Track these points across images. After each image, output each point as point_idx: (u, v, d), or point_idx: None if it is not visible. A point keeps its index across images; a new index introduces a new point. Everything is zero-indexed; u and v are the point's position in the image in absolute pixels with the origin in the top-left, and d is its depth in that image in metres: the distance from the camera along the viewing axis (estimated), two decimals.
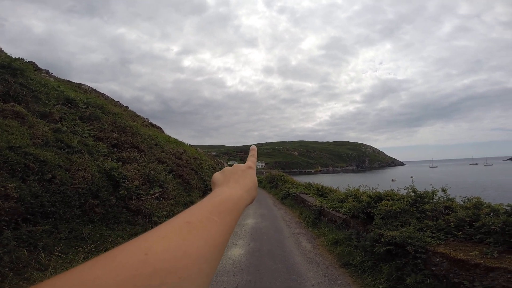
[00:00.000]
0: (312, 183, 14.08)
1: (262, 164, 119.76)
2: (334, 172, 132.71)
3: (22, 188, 4.64)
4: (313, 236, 7.33)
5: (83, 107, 9.85)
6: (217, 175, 0.56)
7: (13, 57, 8.74)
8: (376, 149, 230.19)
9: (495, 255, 3.07)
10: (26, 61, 9.04)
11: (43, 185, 5.07)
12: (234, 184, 0.51)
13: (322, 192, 11.40)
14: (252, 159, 0.66)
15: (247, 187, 0.52)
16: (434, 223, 4.10)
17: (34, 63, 15.42)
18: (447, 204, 4.45)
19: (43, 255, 4.27)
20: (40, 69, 16.52)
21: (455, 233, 3.75)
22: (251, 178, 0.56)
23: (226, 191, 0.47)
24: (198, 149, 35.41)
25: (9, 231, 4.08)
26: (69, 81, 22.03)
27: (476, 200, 4.14)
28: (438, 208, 4.39)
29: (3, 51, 10.75)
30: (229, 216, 0.40)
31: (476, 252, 3.22)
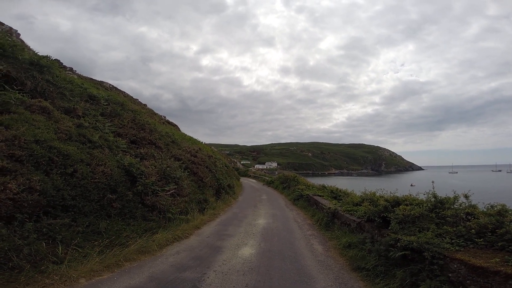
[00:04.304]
0: (326, 185, 13.90)
1: (274, 164, 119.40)
2: (348, 175, 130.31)
3: (45, 181, 4.84)
4: (325, 239, 7.24)
5: (105, 103, 10.20)
6: None
7: (41, 54, 9.16)
8: (393, 152, 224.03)
9: None
10: (52, 58, 9.45)
11: (65, 178, 5.27)
12: None
13: (336, 194, 11.24)
14: None
15: None
16: (454, 229, 3.98)
17: (59, 60, 16.11)
18: (469, 211, 4.29)
19: (60, 248, 4.40)
20: (64, 67, 17.26)
21: (476, 240, 3.64)
22: None
23: None
24: (213, 147, 35.85)
25: (31, 223, 4.24)
26: (91, 78, 22.90)
27: (500, 207, 3.99)
28: (459, 214, 4.24)
29: (31, 49, 11.30)
30: None
31: (497, 259, 3.13)
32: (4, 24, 13.76)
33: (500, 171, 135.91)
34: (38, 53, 9.35)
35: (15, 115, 5.78)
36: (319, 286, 4.39)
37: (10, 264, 3.77)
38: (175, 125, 28.86)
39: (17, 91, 6.53)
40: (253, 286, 4.31)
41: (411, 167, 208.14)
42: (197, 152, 14.22)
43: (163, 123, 22.51)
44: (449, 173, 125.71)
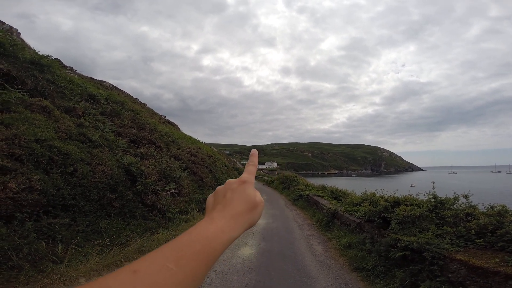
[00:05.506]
0: (326, 185, 13.90)
1: (274, 164, 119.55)
2: (348, 175, 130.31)
3: (45, 180, 4.83)
4: (325, 239, 7.24)
5: (105, 103, 10.20)
6: (209, 199, 0.48)
7: (41, 54, 9.16)
8: (393, 153, 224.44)
9: None
10: (53, 58, 9.45)
11: (65, 178, 5.26)
12: (218, 212, 0.42)
13: (336, 195, 11.23)
14: (250, 169, 0.53)
15: (234, 213, 0.42)
16: (454, 229, 3.98)
17: (59, 60, 16.11)
18: (469, 211, 4.30)
19: (60, 247, 4.40)
20: (65, 66, 17.26)
21: (476, 240, 3.64)
22: (243, 198, 0.44)
23: (199, 227, 0.38)
24: (212, 147, 35.85)
25: (31, 222, 4.24)
26: (91, 78, 22.89)
27: (500, 207, 3.99)
28: (459, 214, 4.25)
29: (31, 48, 11.29)
30: (193, 262, 0.33)
31: (497, 260, 3.13)
32: (5, 23, 13.76)
33: (499, 172, 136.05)
34: (38, 52, 9.34)
35: (15, 114, 5.78)
36: (320, 286, 4.39)
37: (10, 264, 3.76)
38: (175, 125, 28.84)
39: (18, 90, 6.52)
40: (253, 286, 4.31)
41: (410, 167, 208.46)
42: (197, 152, 14.22)
43: (163, 122, 22.50)
44: (449, 173, 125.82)
